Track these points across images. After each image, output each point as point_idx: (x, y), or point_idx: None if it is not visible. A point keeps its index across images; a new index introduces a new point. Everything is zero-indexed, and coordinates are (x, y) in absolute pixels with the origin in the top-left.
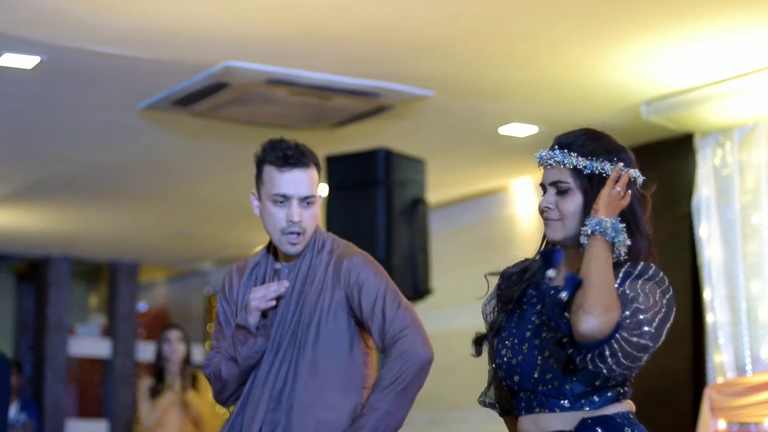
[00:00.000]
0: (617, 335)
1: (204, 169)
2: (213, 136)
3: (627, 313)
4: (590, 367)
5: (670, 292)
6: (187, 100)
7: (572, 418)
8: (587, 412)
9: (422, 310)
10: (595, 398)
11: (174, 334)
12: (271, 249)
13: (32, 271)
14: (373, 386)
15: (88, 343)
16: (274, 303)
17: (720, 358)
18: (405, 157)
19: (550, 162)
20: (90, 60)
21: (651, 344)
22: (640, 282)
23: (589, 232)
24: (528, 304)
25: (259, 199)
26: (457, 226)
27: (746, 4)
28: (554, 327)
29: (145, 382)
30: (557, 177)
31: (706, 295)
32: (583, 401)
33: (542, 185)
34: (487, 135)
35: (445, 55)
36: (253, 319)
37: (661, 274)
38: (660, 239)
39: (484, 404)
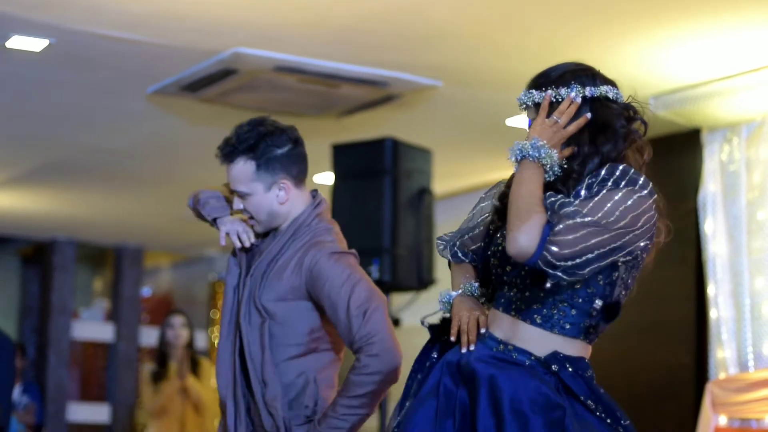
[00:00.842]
0: (547, 236)
1: (211, 155)
2: (221, 123)
3: (561, 211)
4: (550, 280)
5: (644, 192)
6: (196, 86)
7: (543, 342)
8: (557, 340)
9: (426, 299)
10: (566, 325)
11: (178, 320)
12: None
13: (37, 255)
14: (340, 390)
15: (92, 327)
16: (236, 240)
17: (723, 353)
18: (412, 146)
19: (522, 105)
20: (99, 44)
21: (592, 220)
22: (597, 187)
23: (511, 159)
24: None
25: None
26: (463, 217)
27: (756, 0)
28: None
29: (148, 368)
30: (531, 116)
31: (710, 290)
32: (555, 318)
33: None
34: (494, 126)
35: (453, 45)
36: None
37: (642, 178)
38: None
39: (454, 254)
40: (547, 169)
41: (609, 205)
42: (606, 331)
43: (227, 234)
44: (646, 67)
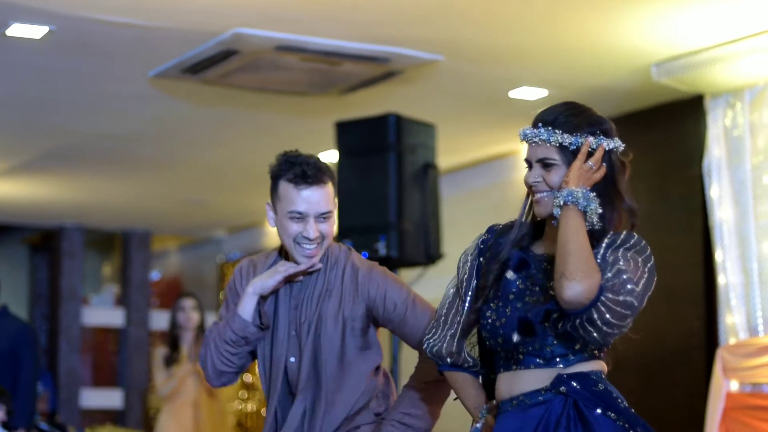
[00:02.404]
0: (602, 297)
1: (215, 137)
2: (224, 104)
3: (609, 275)
4: (581, 332)
5: (652, 261)
6: (197, 68)
7: (547, 375)
8: (561, 369)
9: (434, 274)
10: (571, 357)
11: (188, 303)
12: (283, 253)
13: (45, 242)
14: (409, 382)
15: (102, 312)
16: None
17: (732, 319)
18: (415, 122)
19: (536, 140)
20: (99, 29)
21: (636, 303)
22: (621, 250)
23: (561, 203)
24: (511, 267)
25: (275, 211)
26: (468, 191)
27: None
28: (538, 292)
29: (160, 351)
30: (544, 154)
31: (718, 256)
32: (558, 359)
33: (527, 161)
34: (497, 99)
35: (454, 20)
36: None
37: (643, 242)
38: (671, 201)
39: (453, 364)
40: (588, 222)
41: (644, 285)
42: None
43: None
44: (647, 35)
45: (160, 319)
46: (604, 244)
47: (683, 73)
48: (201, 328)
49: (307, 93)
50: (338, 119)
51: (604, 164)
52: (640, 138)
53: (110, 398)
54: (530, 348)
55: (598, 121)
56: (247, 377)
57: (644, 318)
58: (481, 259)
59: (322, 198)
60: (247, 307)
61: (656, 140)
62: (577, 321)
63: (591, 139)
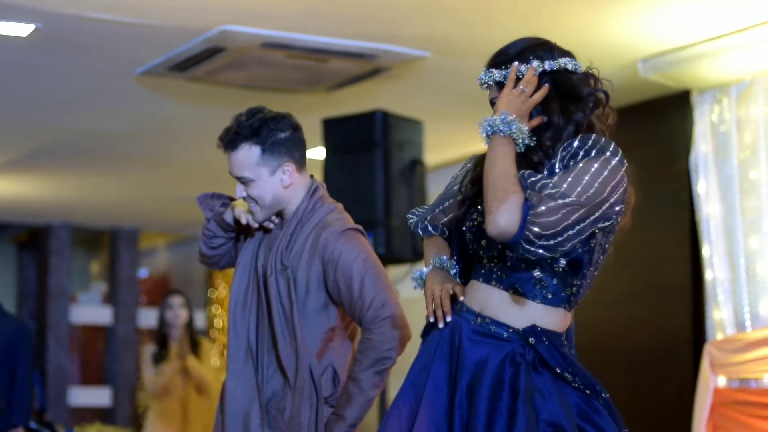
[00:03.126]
0: (528, 216)
1: (203, 134)
2: (211, 101)
3: (536, 188)
4: (531, 257)
5: (614, 160)
6: (184, 65)
7: (521, 312)
8: (538, 310)
9: None
10: (549, 294)
11: (176, 300)
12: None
13: (33, 240)
14: (354, 362)
15: (90, 310)
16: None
17: (719, 314)
18: (402, 118)
19: (484, 84)
20: (85, 26)
21: (567, 200)
22: (572, 161)
23: (482, 134)
24: None
25: None
26: None
27: None
28: None
29: (149, 349)
30: (492, 95)
31: (705, 251)
32: (537, 288)
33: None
34: (484, 95)
35: (440, 16)
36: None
37: (606, 143)
38: (658, 196)
39: (424, 228)
40: (518, 143)
41: (586, 178)
42: (603, 296)
43: (238, 216)
44: (634, 31)
45: (148, 317)
46: (558, 156)
47: (670, 68)
48: (189, 326)
49: (294, 90)
50: (325, 116)
51: (546, 84)
52: (627, 134)
53: (99, 396)
54: (512, 259)
55: (531, 47)
56: None
57: (632, 313)
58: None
59: (234, 163)
60: (226, 214)
61: (643, 136)
62: (519, 250)
63: (516, 64)
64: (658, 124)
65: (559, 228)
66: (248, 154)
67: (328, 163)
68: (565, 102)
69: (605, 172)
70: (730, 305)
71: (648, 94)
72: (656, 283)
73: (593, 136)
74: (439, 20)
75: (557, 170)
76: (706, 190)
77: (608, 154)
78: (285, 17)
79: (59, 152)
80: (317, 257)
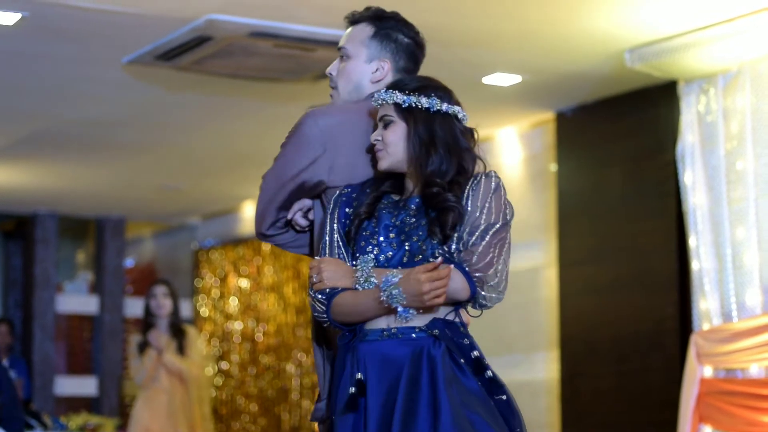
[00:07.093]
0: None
1: (189, 123)
2: (198, 90)
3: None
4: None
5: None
6: (171, 54)
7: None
8: (436, 312)
9: None
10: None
11: (161, 289)
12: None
13: (19, 229)
14: None
15: (76, 299)
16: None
17: (706, 304)
18: None
19: (379, 101)
20: (72, 15)
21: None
22: (480, 200)
23: (383, 297)
24: (385, 209)
25: None
26: None
27: None
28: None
29: (135, 338)
30: (385, 112)
31: (692, 242)
32: None
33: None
34: (470, 85)
35: (427, 5)
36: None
37: (494, 177)
38: (645, 186)
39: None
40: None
41: (495, 212)
42: (590, 286)
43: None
44: (620, 21)
45: (134, 306)
46: (465, 193)
47: (657, 58)
48: (174, 315)
49: (281, 79)
50: (312, 105)
51: (444, 279)
52: (614, 124)
53: (85, 385)
54: None
55: (433, 86)
56: (224, 365)
57: (618, 303)
58: (347, 209)
59: (348, 33)
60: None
61: (629, 126)
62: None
63: (423, 99)
64: (645, 114)
65: (503, 283)
66: (361, 30)
67: None
68: (451, 146)
69: (503, 200)
70: (717, 295)
71: (635, 84)
72: (643, 273)
73: (488, 175)
74: (425, 9)
75: (470, 207)
76: (692, 181)
77: (502, 190)
78: (271, 6)
79: (45, 141)
80: None
